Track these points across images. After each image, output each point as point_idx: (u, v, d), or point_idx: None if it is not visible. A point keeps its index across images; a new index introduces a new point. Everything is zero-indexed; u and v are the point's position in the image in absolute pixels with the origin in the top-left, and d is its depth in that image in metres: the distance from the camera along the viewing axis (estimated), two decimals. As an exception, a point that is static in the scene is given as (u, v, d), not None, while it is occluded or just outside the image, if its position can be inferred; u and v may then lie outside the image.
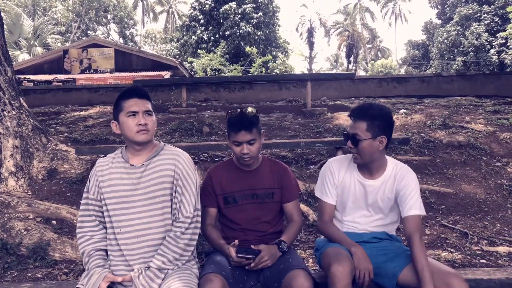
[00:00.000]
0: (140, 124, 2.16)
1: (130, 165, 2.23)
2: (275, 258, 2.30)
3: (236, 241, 2.28)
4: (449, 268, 2.16)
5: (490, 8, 22.32)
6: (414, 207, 2.29)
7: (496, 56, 21.56)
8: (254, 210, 2.51)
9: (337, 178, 2.47)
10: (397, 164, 2.47)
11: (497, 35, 21.71)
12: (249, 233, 2.49)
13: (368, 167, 2.42)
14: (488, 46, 21.95)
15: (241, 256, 2.22)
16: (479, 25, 22.19)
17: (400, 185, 2.38)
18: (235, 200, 2.51)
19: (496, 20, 22.01)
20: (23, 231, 3.72)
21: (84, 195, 2.30)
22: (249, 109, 2.41)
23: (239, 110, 2.41)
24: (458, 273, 2.09)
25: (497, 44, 21.57)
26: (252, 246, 2.29)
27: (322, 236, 2.63)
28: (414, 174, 2.46)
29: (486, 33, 21.91)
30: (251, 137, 2.38)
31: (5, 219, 3.84)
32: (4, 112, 4.95)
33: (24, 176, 4.89)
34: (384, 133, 2.31)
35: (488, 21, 22.12)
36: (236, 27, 25.18)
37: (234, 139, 2.39)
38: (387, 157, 2.47)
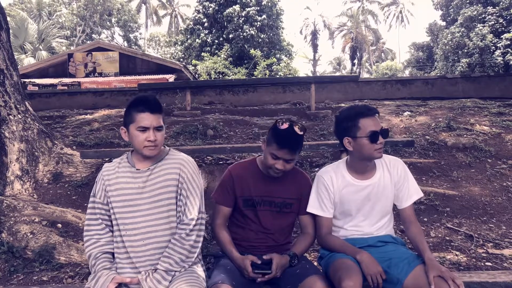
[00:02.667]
0: (149, 140, 2.16)
1: (136, 169, 2.26)
2: (284, 269, 2.28)
3: (251, 256, 2.29)
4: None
5: (494, 10, 22.23)
6: (411, 197, 2.46)
7: (501, 58, 21.44)
8: (270, 218, 2.48)
9: (332, 191, 2.46)
10: (383, 157, 2.51)
11: (502, 36, 21.61)
12: (260, 242, 2.48)
13: (366, 165, 2.44)
14: (493, 47, 21.84)
15: (257, 272, 2.23)
16: (483, 26, 22.09)
17: (396, 177, 2.46)
18: (254, 205, 2.47)
19: (501, 21, 21.91)
20: (29, 234, 3.74)
21: (91, 199, 2.33)
22: (299, 128, 2.31)
23: (289, 123, 2.31)
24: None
25: (502, 45, 21.45)
26: (264, 257, 2.27)
27: None
28: (402, 161, 2.54)
29: (491, 35, 21.80)
30: (291, 157, 2.32)
31: (11, 222, 3.86)
32: (10, 116, 4.98)
33: (29, 179, 4.92)
34: None
35: (493, 23, 22.00)
36: (239, 30, 25.21)
37: (274, 152, 2.31)
38: None
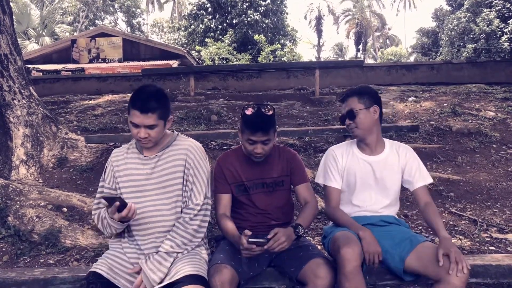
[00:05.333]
0: (140, 137, 2.17)
1: (144, 156, 2.28)
2: (291, 240, 2.20)
3: (247, 231, 2.18)
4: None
5: (501, -6, 21.92)
6: (423, 178, 2.50)
7: (508, 43, 21.18)
8: (265, 199, 2.51)
9: (341, 163, 2.54)
10: (393, 142, 2.62)
11: (508, 21, 21.32)
12: (259, 222, 2.49)
13: (368, 142, 2.51)
14: (500, 32, 21.54)
15: (252, 241, 2.11)
16: (490, 11, 21.78)
17: (404, 160, 2.52)
18: (246, 190, 2.50)
19: (508, 6, 21.57)
20: (34, 218, 3.77)
21: (100, 183, 2.37)
22: (266, 109, 2.33)
23: (256, 107, 2.34)
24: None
25: (508, 30, 21.17)
26: (268, 236, 2.17)
27: (330, 224, 2.66)
28: (411, 148, 2.61)
29: (498, 20, 21.50)
30: (266, 138, 2.34)
31: (17, 206, 3.89)
32: (15, 101, 4.99)
33: (34, 164, 4.94)
34: (375, 103, 2.49)
35: (500, 7, 21.68)
36: (243, 15, 24.97)
37: (249, 138, 2.35)
38: (383, 138, 2.60)
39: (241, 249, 2.14)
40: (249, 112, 2.34)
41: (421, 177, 2.49)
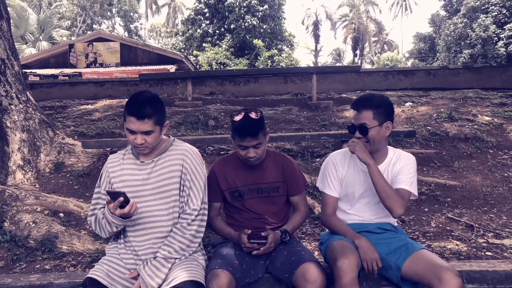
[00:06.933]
0: (136, 143, 2.17)
1: (141, 162, 2.28)
2: (277, 244, 2.38)
3: (247, 230, 2.34)
4: (442, 262, 2.14)
5: (497, 0, 22.05)
6: (408, 184, 2.37)
7: (504, 49, 21.30)
8: (260, 204, 2.51)
9: (341, 172, 2.51)
10: (396, 150, 2.55)
11: (504, 27, 21.46)
12: (255, 227, 2.48)
13: (372, 154, 2.44)
14: (496, 38, 21.68)
15: (253, 242, 2.29)
16: (486, 17, 21.90)
17: (401, 163, 2.45)
18: (241, 195, 2.51)
19: (504, 12, 21.71)
20: (31, 223, 3.76)
21: (96, 189, 2.37)
22: (253, 114, 2.35)
23: (243, 113, 2.36)
24: (451, 267, 2.07)
25: (504, 36, 21.29)
26: (262, 233, 2.35)
27: (326, 230, 2.65)
28: (414, 158, 2.51)
29: (494, 25, 21.64)
30: (257, 142, 2.35)
31: (14, 211, 3.88)
32: (12, 106, 4.98)
33: (31, 169, 4.93)
34: (389, 118, 2.42)
35: (496, 13, 21.81)
36: (241, 20, 25.07)
37: (240, 144, 2.37)
38: (388, 146, 2.55)
39: (243, 247, 2.33)
40: (236, 118, 2.37)
41: (404, 180, 2.38)
